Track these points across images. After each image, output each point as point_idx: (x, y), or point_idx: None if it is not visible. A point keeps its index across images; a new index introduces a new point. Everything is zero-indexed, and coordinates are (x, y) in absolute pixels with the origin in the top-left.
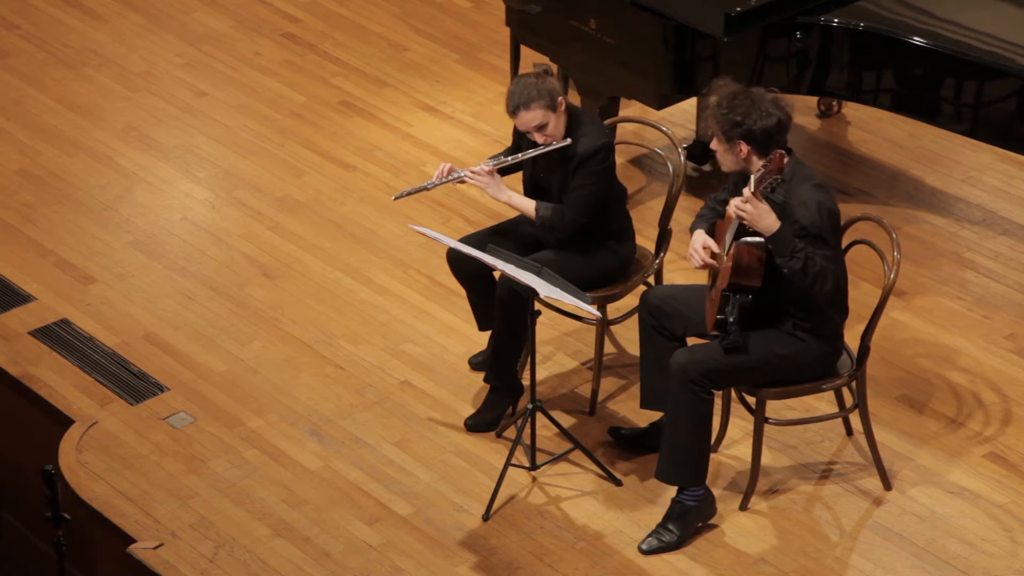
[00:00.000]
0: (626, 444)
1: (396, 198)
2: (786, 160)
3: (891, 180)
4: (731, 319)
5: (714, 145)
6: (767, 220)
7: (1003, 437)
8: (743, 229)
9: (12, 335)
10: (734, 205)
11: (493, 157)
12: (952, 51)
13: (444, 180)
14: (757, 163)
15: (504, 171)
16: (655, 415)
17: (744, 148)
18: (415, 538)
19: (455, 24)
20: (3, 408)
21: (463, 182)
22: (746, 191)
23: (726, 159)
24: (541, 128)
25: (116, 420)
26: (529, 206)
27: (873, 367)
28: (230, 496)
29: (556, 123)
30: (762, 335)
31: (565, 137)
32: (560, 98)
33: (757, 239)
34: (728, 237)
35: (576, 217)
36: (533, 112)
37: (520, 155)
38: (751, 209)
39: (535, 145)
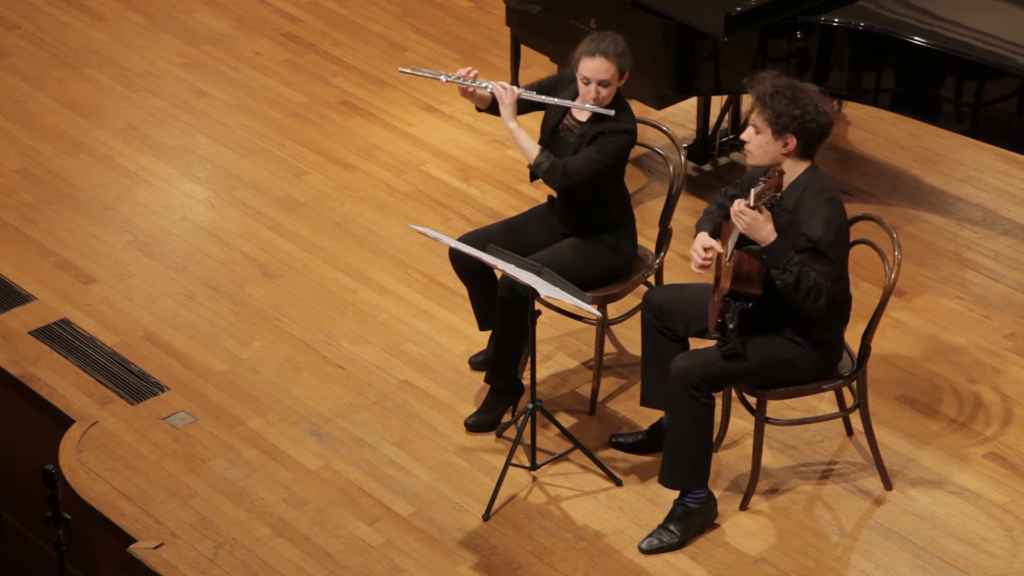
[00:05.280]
0: (628, 450)
1: (402, 70)
2: (784, 178)
3: (891, 180)
4: (731, 325)
5: (753, 135)
6: (764, 231)
7: (1003, 437)
8: (745, 237)
9: (12, 335)
10: (733, 212)
11: (529, 86)
12: (952, 51)
13: (464, 81)
14: (795, 165)
15: (525, 107)
16: (655, 414)
17: (792, 143)
18: (415, 538)
19: (455, 24)
20: (3, 408)
21: (482, 89)
22: (744, 202)
23: (764, 151)
24: (604, 85)
25: (116, 420)
26: (532, 148)
27: (873, 367)
28: (230, 496)
29: (613, 90)
30: (761, 340)
31: (609, 108)
32: (627, 72)
33: (758, 248)
34: (731, 241)
35: (572, 173)
36: (609, 64)
37: (558, 100)
38: (748, 220)
39: (575, 98)
